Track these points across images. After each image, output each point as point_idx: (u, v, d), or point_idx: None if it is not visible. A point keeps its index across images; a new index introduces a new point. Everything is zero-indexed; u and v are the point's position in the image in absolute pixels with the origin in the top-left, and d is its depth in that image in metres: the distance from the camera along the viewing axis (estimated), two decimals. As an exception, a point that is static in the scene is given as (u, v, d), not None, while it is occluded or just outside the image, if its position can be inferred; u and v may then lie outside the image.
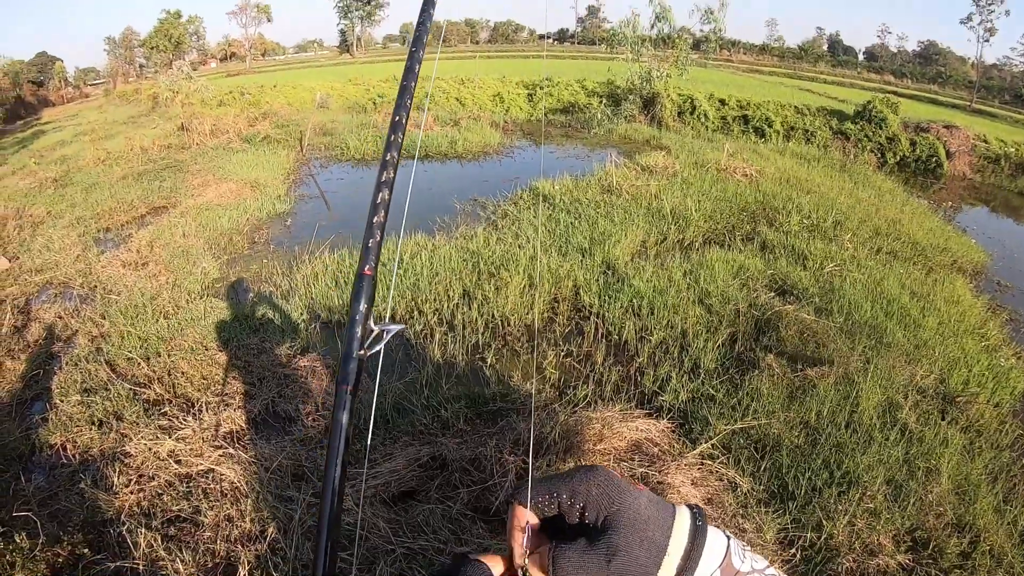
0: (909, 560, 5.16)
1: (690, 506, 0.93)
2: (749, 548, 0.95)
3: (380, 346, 1.55)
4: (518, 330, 8.76)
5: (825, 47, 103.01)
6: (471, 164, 21.12)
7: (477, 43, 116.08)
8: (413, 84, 1.73)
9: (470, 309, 9.05)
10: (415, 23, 1.96)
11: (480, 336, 8.53)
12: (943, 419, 7.20)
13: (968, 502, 5.87)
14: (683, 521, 0.89)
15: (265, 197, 15.56)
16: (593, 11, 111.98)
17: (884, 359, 8.06)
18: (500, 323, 8.85)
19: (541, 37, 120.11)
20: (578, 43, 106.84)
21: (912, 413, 7.10)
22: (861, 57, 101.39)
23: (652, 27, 30.54)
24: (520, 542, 0.89)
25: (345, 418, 1.29)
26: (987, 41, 70.84)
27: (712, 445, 6.11)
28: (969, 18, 69.81)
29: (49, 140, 32.48)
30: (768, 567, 0.93)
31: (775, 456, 6.03)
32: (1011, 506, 5.97)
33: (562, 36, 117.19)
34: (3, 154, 28.85)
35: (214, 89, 36.86)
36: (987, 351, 9.21)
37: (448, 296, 9.46)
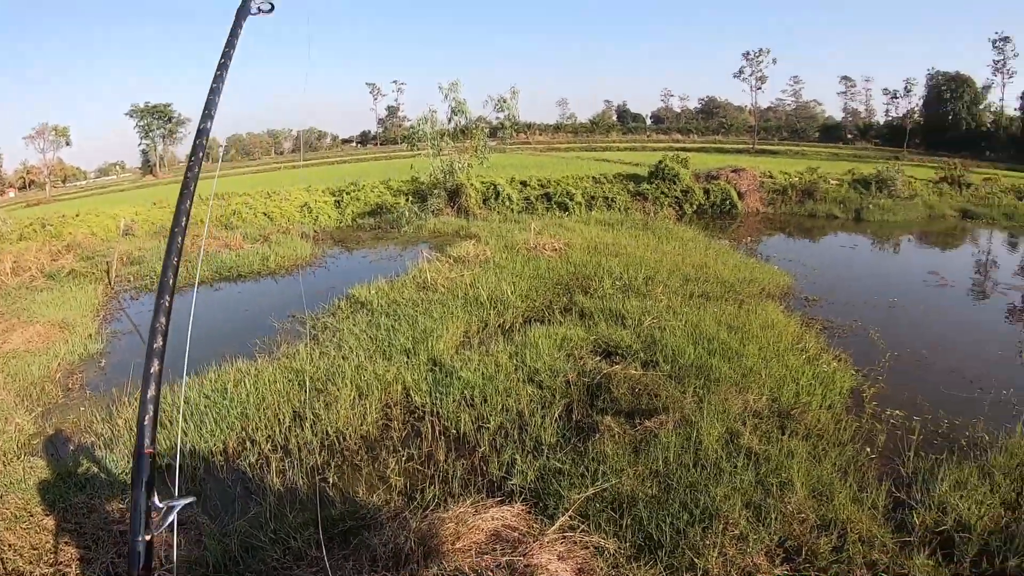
0: (788, 570, 5.43)
1: None
2: None
3: (172, 518, 1.47)
4: (355, 443, 8.53)
5: (615, 117, 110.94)
6: (285, 279, 20.63)
7: (281, 153, 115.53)
8: (186, 217, 1.72)
9: (303, 430, 8.74)
10: (192, 143, 1.97)
11: (318, 456, 8.22)
12: (783, 434, 7.70)
13: (826, 501, 6.31)
14: None
15: (76, 338, 14.36)
16: (393, 111, 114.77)
17: (715, 394, 8.56)
18: (336, 439, 8.60)
19: (345, 141, 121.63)
20: (381, 144, 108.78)
21: (753, 436, 7.55)
22: (649, 121, 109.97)
23: (450, 121, 31.87)
24: None
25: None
26: (760, 89, 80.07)
27: (570, 516, 6.12)
28: (741, 72, 78.82)
29: None
30: None
31: (634, 511, 6.14)
32: (867, 492, 6.52)
33: (365, 139, 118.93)
34: None
35: (12, 222, 33.76)
36: (809, 362, 10.04)
37: (279, 420, 9.09)
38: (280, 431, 8.86)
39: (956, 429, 8.48)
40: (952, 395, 9.63)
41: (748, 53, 78.41)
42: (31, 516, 7.29)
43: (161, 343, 1.56)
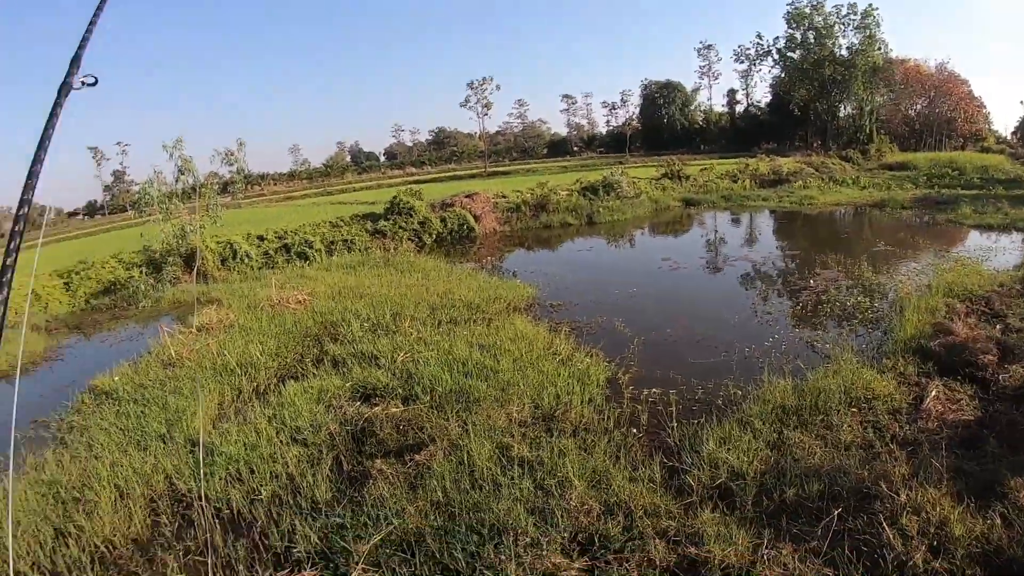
0: (586, 562, 5.63)
1: None
2: None
3: None
4: (128, 550, 7.69)
5: (348, 158, 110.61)
6: (21, 379, 18.13)
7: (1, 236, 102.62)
8: None
9: (68, 548, 7.70)
10: None
11: (90, 574, 7.30)
12: (552, 436, 7.97)
13: (606, 487, 6.62)
14: None
15: None
16: (119, 176, 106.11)
17: (478, 414, 8.71)
18: (107, 549, 7.71)
19: (71, 215, 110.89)
20: (109, 213, 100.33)
21: (523, 446, 7.74)
22: (383, 158, 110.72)
23: (177, 181, 29.89)
24: None
25: None
26: (487, 115, 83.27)
27: (363, 569, 5.96)
28: (467, 100, 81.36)
29: None
30: None
31: (424, 547, 6.07)
32: (641, 469, 6.94)
33: (92, 209, 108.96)
34: None
35: None
36: (563, 363, 10.53)
37: (41, 543, 7.91)
38: (45, 554, 7.78)
39: (711, 392, 9.37)
40: (701, 363, 10.58)
41: (472, 82, 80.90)
42: None
43: None
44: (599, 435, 7.91)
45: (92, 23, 2.82)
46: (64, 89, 2.51)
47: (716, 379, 9.80)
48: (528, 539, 5.84)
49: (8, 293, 1.41)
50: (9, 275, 1.42)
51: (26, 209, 1.85)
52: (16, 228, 1.71)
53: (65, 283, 31.08)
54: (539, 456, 7.40)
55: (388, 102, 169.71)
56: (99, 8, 2.90)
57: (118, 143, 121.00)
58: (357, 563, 6.00)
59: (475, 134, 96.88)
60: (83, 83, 2.60)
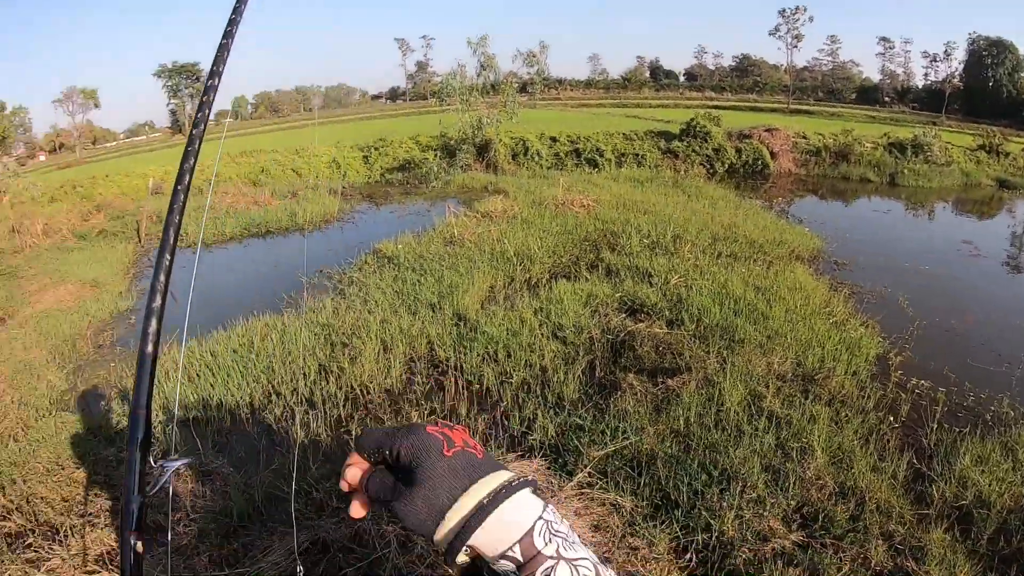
0: (802, 537, 5.36)
1: (516, 479, 0.91)
2: (568, 536, 0.92)
3: (164, 480, 1.45)
4: (379, 396, 8.56)
5: (647, 74, 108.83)
6: (314, 235, 20.73)
7: (310, 110, 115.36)
8: (189, 175, 1.70)
9: (327, 383, 8.77)
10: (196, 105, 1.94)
11: (341, 409, 8.26)
12: (806, 399, 7.58)
13: (846, 468, 6.22)
14: (482, 490, 0.90)
15: (106, 296, 14.57)
16: (422, 67, 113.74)
17: (740, 355, 8.45)
18: (360, 392, 8.63)
19: (375, 98, 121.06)
20: (410, 99, 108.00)
21: (776, 400, 7.46)
22: (682, 79, 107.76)
23: (479, 76, 31.56)
24: (347, 477, 1.00)
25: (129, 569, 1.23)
26: (796, 47, 77.95)
27: (588, 473, 6.12)
28: (777, 29, 76.72)
29: None
30: (584, 559, 0.91)
31: (652, 470, 6.10)
32: (887, 461, 6.40)
33: (394, 94, 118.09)
34: None
35: (43, 185, 33.92)
36: (836, 327, 9.90)
37: (304, 374, 9.17)
38: (305, 384, 8.91)
39: (982, 403, 8.28)
40: (980, 368, 9.41)
41: (784, 10, 75.81)
42: (62, 469, 7.43)
43: (160, 302, 1.54)
44: (854, 412, 7.38)
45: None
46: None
47: (991, 391, 8.67)
48: (755, 495, 5.69)
49: (190, 179, 1.60)
50: (192, 161, 1.62)
51: (212, 95, 2.03)
52: (201, 114, 1.90)
53: (364, 156, 34.09)
54: (788, 415, 7.09)
55: (694, 20, 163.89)
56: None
57: (423, 36, 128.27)
58: (585, 466, 6.18)
59: (780, 66, 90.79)
60: None
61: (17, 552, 6.12)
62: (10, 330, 12.91)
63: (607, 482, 6.07)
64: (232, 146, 46.73)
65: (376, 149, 34.49)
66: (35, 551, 6.07)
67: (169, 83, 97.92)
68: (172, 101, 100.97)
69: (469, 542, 0.89)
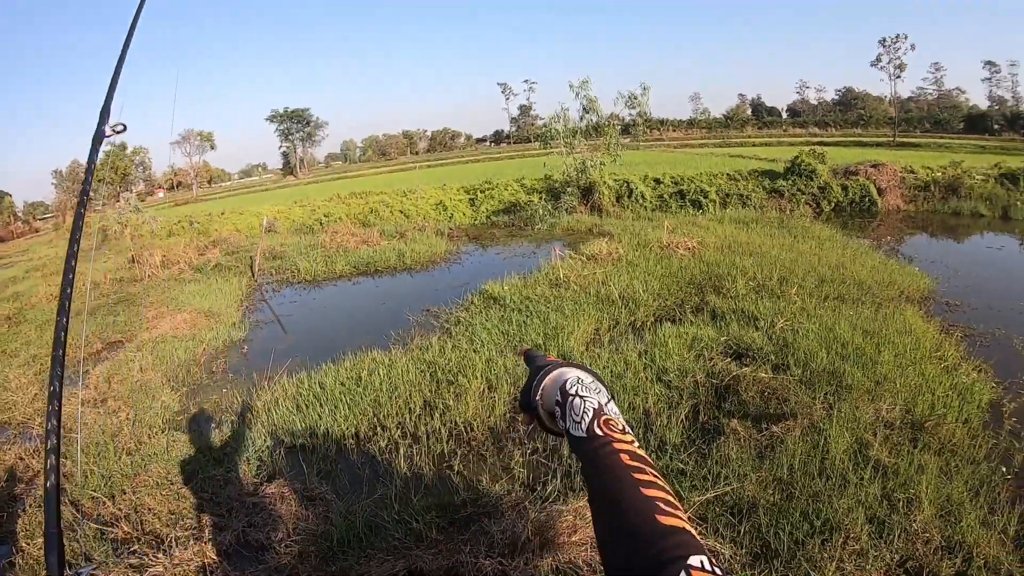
0: None
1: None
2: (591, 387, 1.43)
3: None
4: (483, 434, 8.70)
5: (749, 111, 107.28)
6: (421, 274, 21.22)
7: (416, 153, 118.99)
8: (74, 260, 1.96)
9: (432, 419, 9.00)
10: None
11: (445, 445, 8.46)
12: (915, 447, 7.26)
13: (954, 522, 5.90)
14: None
15: (220, 325, 15.43)
16: (525, 110, 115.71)
17: (846, 402, 8.18)
18: (464, 429, 8.80)
19: (479, 140, 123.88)
20: (514, 142, 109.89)
21: (883, 448, 7.18)
22: (785, 115, 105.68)
23: (581, 119, 31.84)
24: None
25: None
26: (899, 77, 75.01)
27: (689, 518, 6.04)
28: (878, 59, 74.29)
29: (0, 276, 32.46)
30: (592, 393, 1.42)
31: (753, 518, 6.00)
32: (998, 515, 6.01)
33: (498, 137, 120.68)
34: (-47, 292, 28.61)
35: (162, 220, 36.75)
36: (947, 372, 9.41)
37: (410, 409, 9.41)
38: (410, 419, 9.17)
39: None
40: None
41: (884, 39, 73.43)
42: (171, 484, 7.89)
43: (56, 441, 1.73)
44: (964, 462, 6.96)
45: (116, 74, 3.11)
46: (98, 138, 2.86)
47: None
48: (857, 547, 5.47)
49: (75, 264, 1.81)
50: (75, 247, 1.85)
51: (83, 209, 2.27)
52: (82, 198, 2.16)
53: (470, 199, 34.80)
54: (895, 465, 6.77)
55: (794, 55, 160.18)
56: (121, 59, 3.16)
57: (525, 80, 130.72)
58: (686, 511, 6.14)
59: (884, 98, 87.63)
60: (114, 131, 2.96)
61: (122, 557, 6.53)
62: (128, 352, 13.84)
63: (707, 528, 6.01)
64: (342, 187, 48.46)
65: (482, 191, 35.18)
66: (139, 557, 6.46)
67: (281, 127, 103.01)
68: (283, 144, 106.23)
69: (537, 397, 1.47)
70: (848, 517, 5.85)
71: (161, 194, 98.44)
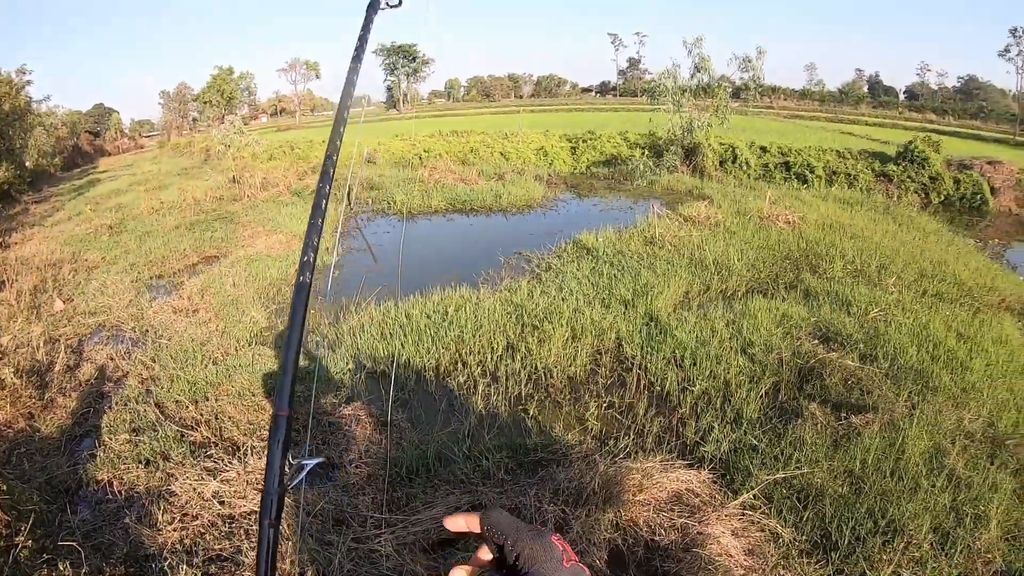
0: None
1: None
2: None
3: (301, 476, 1.68)
4: (561, 382, 8.80)
5: (865, 88, 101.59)
6: (516, 217, 21.38)
7: (520, 97, 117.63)
8: (336, 155, 2.00)
9: (513, 361, 9.15)
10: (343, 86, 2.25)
11: (523, 388, 8.61)
12: (992, 463, 6.97)
13: (1019, 548, 5.71)
14: None
15: None
16: (634, 63, 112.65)
17: (931, 404, 7.92)
18: (543, 375, 8.92)
19: (584, 90, 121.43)
20: (620, 95, 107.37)
21: (960, 458, 6.94)
22: (902, 96, 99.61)
23: (692, 77, 30.78)
24: (475, 560, 1.18)
25: (265, 552, 1.46)
26: (1026, 72, 68.98)
27: (754, 495, 6.06)
28: (1007, 50, 68.11)
29: (104, 189, 34.15)
30: None
31: (818, 506, 5.94)
32: None
33: (604, 89, 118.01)
34: (60, 200, 30.45)
35: (264, 143, 37.74)
36: (1038, 388, 8.98)
37: (492, 348, 9.59)
38: (491, 358, 9.33)
39: None
40: None
41: (1016, 29, 66.58)
42: (252, 396, 8.24)
43: (311, 257, 1.78)
44: None
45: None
46: (372, 6, 2.77)
47: None
48: (918, 554, 5.36)
49: (337, 157, 1.81)
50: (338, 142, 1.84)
51: (345, 113, 2.25)
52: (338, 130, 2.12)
53: (572, 148, 34.41)
54: (970, 478, 6.54)
55: (918, 33, 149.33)
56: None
57: (636, 33, 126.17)
58: (752, 488, 6.11)
59: (1009, 92, 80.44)
60: (388, 4, 2.87)
61: (199, 459, 6.86)
62: (222, 267, 14.43)
63: (770, 508, 5.99)
64: (444, 125, 48.35)
65: (584, 141, 34.67)
66: (214, 462, 6.79)
67: (387, 61, 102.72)
68: (389, 78, 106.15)
69: None
70: (914, 522, 5.72)
71: (264, 119, 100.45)
